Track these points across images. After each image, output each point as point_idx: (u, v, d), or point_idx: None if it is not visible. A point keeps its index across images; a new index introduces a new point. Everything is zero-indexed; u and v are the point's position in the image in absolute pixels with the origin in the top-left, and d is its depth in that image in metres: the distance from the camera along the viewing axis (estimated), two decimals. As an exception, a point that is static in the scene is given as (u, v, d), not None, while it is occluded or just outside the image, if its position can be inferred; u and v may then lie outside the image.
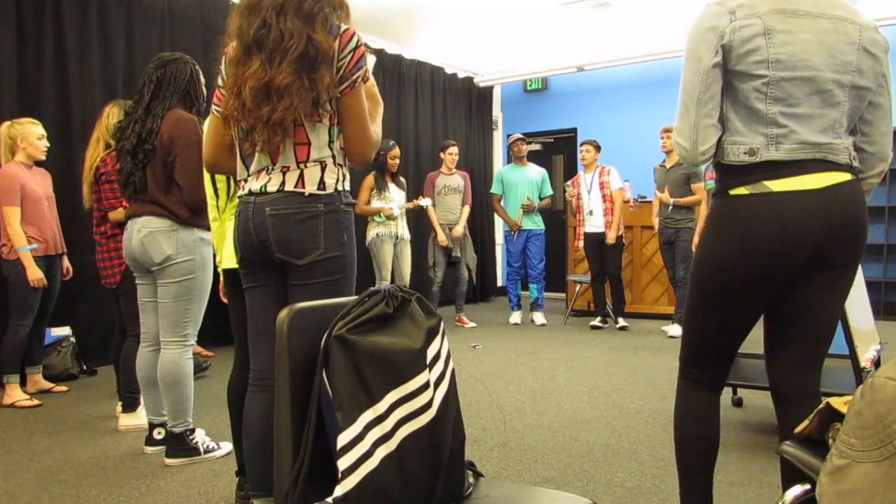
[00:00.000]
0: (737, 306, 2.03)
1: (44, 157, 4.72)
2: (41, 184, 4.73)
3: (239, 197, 2.19)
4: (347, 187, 2.19)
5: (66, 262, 4.93)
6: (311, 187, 2.08)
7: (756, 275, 1.94)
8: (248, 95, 2.00)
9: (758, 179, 1.91)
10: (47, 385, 4.92)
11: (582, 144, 7.53)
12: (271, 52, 1.99)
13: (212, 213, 2.83)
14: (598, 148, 7.45)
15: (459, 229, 7.66)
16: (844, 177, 1.93)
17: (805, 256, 1.91)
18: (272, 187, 2.09)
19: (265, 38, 2.00)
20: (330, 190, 2.11)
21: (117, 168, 3.42)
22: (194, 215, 3.22)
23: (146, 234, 3.23)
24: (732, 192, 1.95)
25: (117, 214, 3.92)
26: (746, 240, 1.92)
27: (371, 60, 2.24)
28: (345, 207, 2.15)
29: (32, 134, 4.60)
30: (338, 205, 2.12)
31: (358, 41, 2.06)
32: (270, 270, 2.16)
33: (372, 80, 2.26)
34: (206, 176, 2.80)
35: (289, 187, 2.08)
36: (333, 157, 2.12)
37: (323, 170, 2.10)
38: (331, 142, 2.12)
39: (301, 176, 2.08)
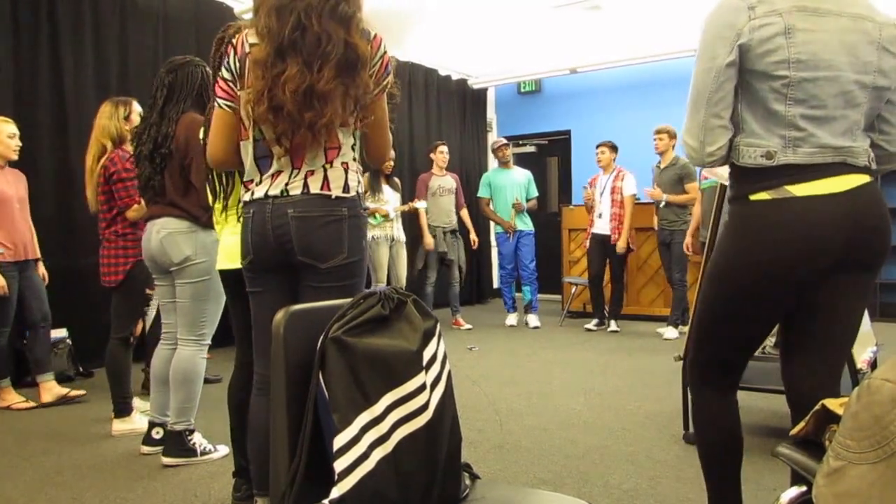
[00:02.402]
0: (759, 312, 1.98)
1: (16, 157, 4.56)
2: (13, 185, 4.57)
3: (250, 201, 2.13)
4: (365, 189, 2.20)
5: (41, 269, 4.77)
6: (336, 190, 2.07)
7: (779, 281, 1.89)
8: (289, 99, 1.94)
9: (779, 184, 1.84)
10: (63, 391, 4.67)
11: (597, 146, 7.50)
12: (309, 56, 1.95)
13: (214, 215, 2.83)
14: (613, 149, 7.43)
15: (475, 238, 7.99)
16: (864, 179, 1.88)
17: (830, 261, 1.85)
18: (294, 190, 2.06)
19: (300, 41, 1.95)
20: (353, 193, 2.10)
21: (137, 173, 3.43)
22: (211, 217, 3.22)
23: (165, 234, 3.26)
24: (753, 197, 1.88)
25: (134, 212, 3.87)
26: (770, 246, 1.86)
27: None
28: (363, 212, 2.16)
29: (2, 132, 4.46)
30: (358, 209, 2.12)
31: (385, 48, 2.08)
32: (282, 274, 2.12)
33: None
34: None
35: (314, 189, 2.05)
36: (355, 158, 2.14)
37: (346, 172, 2.10)
38: (354, 144, 2.13)
39: (325, 178, 2.06)
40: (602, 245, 7.36)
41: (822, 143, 1.85)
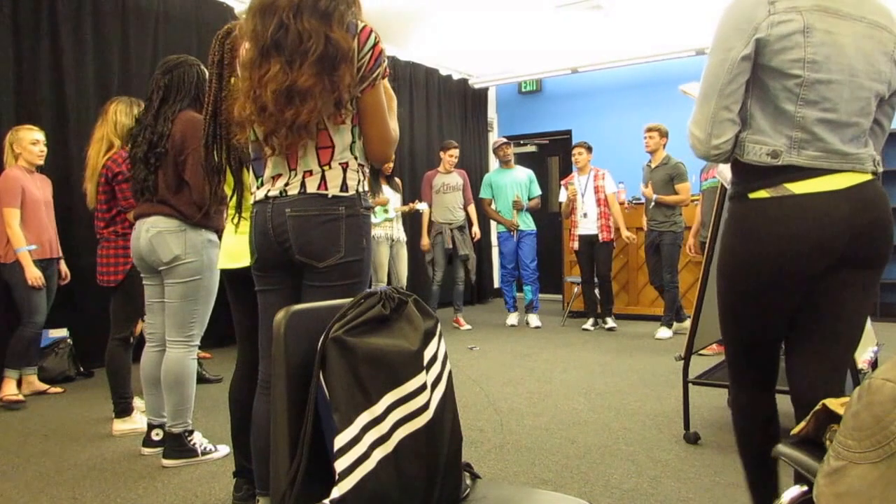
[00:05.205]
0: (766, 308, 1.97)
1: (41, 162, 4.80)
2: (41, 189, 4.82)
3: (254, 203, 2.16)
4: (367, 188, 2.16)
5: (63, 267, 4.99)
6: (333, 189, 2.06)
7: (783, 276, 1.88)
8: (270, 99, 1.95)
9: (779, 182, 1.84)
10: (42, 386, 4.93)
11: (574, 147, 7.57)
12: (291, 54, 1.95)
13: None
14: (589, 150, 7.47)
15: (477, 231, 7.90)
16: (867, 177, 1.88)
17: (833, 257, 1.85)
18: (293, 190, 2.06)
19: (283, 40, 1.96)
20: (352, 192, 2.08)
21: (132, 175, 3.41)
22: (203, 216, 3.21)
23: (154, 233, 3.24)
24: (752, 195, 1.88)
25: None
26: (771, 242, 1.86)
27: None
28: (364, 211, 2.13)
29: (25, 139, 4.71)
30: (358, 208, 2.10)
31: (376, 39, 2.04)
32: (286, 273, 2.13)
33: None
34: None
35: (311, 189, 2.05)
36: (356, 157, 2.10)
37: (345, 171, 2.07)
38: (353, 143, 2.09)
39: (323, 177, 2.06)
40: (590, 245, 7.38)
41: (830, 148, 1.83)
